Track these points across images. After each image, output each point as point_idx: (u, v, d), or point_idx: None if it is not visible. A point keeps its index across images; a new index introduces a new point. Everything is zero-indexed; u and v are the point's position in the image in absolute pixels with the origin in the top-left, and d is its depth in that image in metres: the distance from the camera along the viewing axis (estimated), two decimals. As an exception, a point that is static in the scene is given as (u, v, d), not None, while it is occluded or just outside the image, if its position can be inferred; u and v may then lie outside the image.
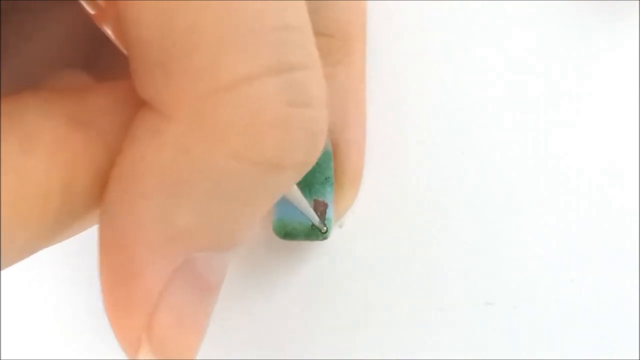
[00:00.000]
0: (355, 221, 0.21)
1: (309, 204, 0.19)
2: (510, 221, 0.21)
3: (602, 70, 0.22)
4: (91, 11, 0.12)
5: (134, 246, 0.11)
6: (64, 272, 0.21)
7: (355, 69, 0.21)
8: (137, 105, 0.11)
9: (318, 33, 0.21)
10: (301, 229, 0.19)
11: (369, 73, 0.22)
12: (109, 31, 0.12)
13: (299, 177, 0.12)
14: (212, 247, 0.11)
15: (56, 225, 0.10)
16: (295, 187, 0.18)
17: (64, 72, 0.13)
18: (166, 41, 0.10)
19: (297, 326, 0.20)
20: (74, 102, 0.11)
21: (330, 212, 0.19)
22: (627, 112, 0.22)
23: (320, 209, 0.19)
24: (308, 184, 0.19)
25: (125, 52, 0.12)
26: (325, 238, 0.19)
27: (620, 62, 0.22)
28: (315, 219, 0.19)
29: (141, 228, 0.10)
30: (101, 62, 0.14)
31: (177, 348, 0.12)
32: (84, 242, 0.20)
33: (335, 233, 0.21)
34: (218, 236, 0.11)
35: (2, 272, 0.21)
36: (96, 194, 0.11)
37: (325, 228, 0.19)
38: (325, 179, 0.20)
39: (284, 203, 0.19)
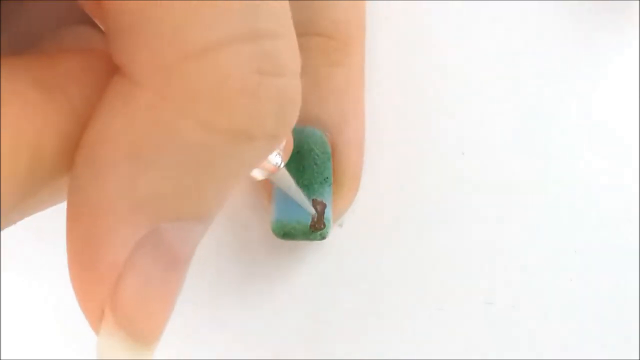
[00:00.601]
0: (355, 221, 0.21)
1: (308, 204, 0.19)
2: (510, 221, 0.21)
3: (603, 70, 0.22)
4: None
5: (99, 214, 0.10)
6: (64, 272, 0.21)
7: (354, 70, 0.21)
8: (112, 72, 0.11)
9: (316, 34, 0.21)
10: (300, 228, 0.19)
11: (368, 73, 0.22)
12: None
13: (270, 149, 0.11)
14: (179, 217, 0.11)
15: (24, 191, 0.10)
16: (288, 175, 0.18)
17: (68, 30, 0.12)
18: (135, 5, 0.09)
19: (297, 326, 0.20)
20: (44, 66, 0.11)
21: (329, 212, 0.19)
22: (627, 112, 0.22)
23: (319, 209, 0.19)
24: (307, 184, 0.19)
25: (97, 21, 0.12)
26: (323, 238, 0.19)
27: (620, 62, 0.22)
28: (311, 209, 0.19)
29: (107, 195, 0.10)
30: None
31: (141, 321, 0.11)
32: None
33: (335, 233, 0.21)
34: (185, 206, 0.11)
35: (2, 272, 0.21)
36: (65, 161, 0.11)
37: (323, 226, 0.19)
38: (324, 179, 0.20)
39: (282, 203, 0.19)
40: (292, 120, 0.11)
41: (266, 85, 0.10)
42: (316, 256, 0.21)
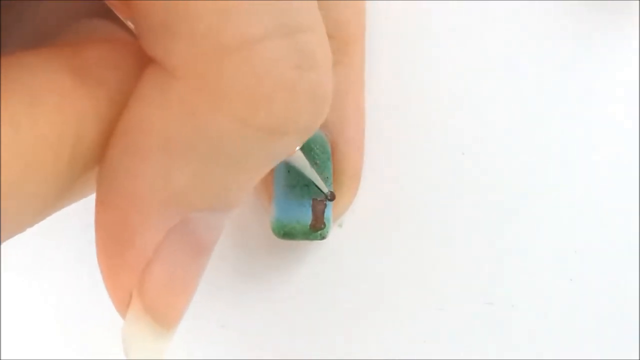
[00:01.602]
0: (355, 221, 0.21)
1: (308, 204, 0.19)
2: (510, 221, 0.21)
3: (604, 70, 0.22)
4: None
5: (131, 204, 0.11)
6: (64, 272, 0.21)
7: (354, 69, 0.21)
8: (145, 61, 0.11)
9: None
10: (299, 228, 0.19)
11: (368, 73, 0.22)
12: None
13: (301, 142, 0.12)
14: (209, 208, 0.11)
15: (67, 180, 0.10)
16: (301, 154, 0.18)
17: (84, 23, 0.12)
18: (171, 1, 0.10)
19: (297, 326, 0.20)
20: (77, 55, 0.11)
21: (329, 212, 0.19)
22: (627, 112, 0.22)
23: (319, 208, 0.19)
24: (307, 184, 0.19)
25: (119, 15, 0.12)
26: (323, 237, 0.19)
27: (621, 62, 0.22)
28: (324, 187, 0.19)
29: (140, 186, 0.10)
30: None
31: (166, 307, 0.12)
32: (85, 242, 0.20)
33: (335, 233, 0.21)
34: (215, 197, 0.11)
35: (2, 272, 0.21)
36: (102, 150, 0.11)
37: (323, 226, 0.19)
38: (324, 178, 0.20)
39: (283, 202, 0.19)
40: (325, 115, 0.12)
41: (302, 80, 0.10)
42: (316, 256, 0.21)
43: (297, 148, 0.16)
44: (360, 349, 0.20)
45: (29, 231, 0.21)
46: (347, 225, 0.21)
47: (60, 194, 0.11)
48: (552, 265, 0.21)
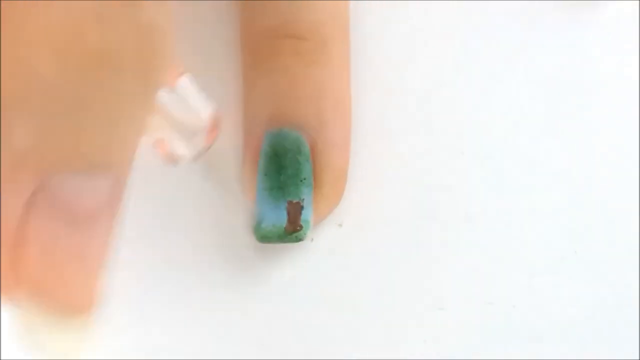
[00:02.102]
0: (355, 221, 0.21)
1: (283, 207, 0.19)
2: (510, 220, 0.21)
3: (604, 70, 0.22)
4: None
5: None
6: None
7: (333, 69, 0.21)
8: None
9: (290, 36, 0.20)
10: (275, 231, 0.19)
11: (366, 73, 0.22)
12: None
13: (139, 79, 0.10)
14: (64, 168, 0.10)
15: None
16: (187, 82, 0.17)
17: None
18: None
19: (297, 326, 0.20)
20: None
21: (307, 214, 0.19)
22: (627, 112, 0.22)
23: (294, 210, 0.19)
24: (282, 186, 0.19)
25: None
26: (300, 240, 0.19)
27: (621, 62, 0.22)
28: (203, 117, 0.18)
29: None
30: None
31: (53, 288, 0.10)
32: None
33: (334, 233, 0.21)
34: (71, 154, 0.10)
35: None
36: None
37: (300, 228, 0.19)
38: (301, 180, 0.20)
39: (261, 206, 0.19)
40: (158, 46, 0.11)
41: (117, 9, 0.10)
42: (316, 256, 0.21)
43: (184, 78, 0.15)
44: (360, 349, 0.20)
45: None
46: (348, 225, 0.21)
47: None
48: (552, 266, 0.21)
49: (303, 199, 0.19)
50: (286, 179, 0.20)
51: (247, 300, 0.21)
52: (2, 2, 0.09)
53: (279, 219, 0.19)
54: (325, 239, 0.21)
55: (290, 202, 0.19)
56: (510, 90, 0.22)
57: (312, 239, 0.21)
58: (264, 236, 0.19)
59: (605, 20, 0.23)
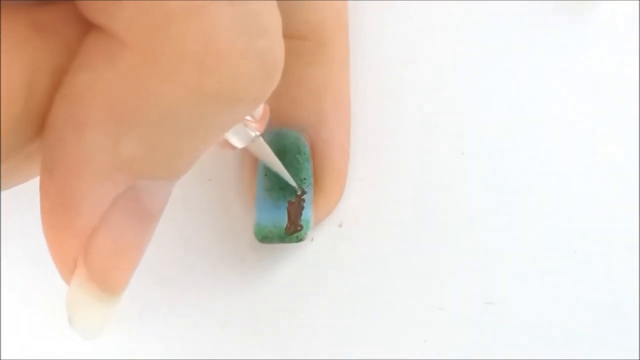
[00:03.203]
0: (355, 221, 0.21)
1: (284, 207, 0.19)
2: (510, 221, 0.21)
3: (603, 70, 0.22)
4: None
5: (77, 171, 0.11)
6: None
7: (333, 69, 0.21)
8: (86, 25, 0.10)
9: (288, 35, 0.21)
10: (276, 232, 0.19)
11: (366, 72, 0.22)
12: None
13: (251, 112, 0.12)
14: (156, 176, 0.11)
15: (20, 130, 0.10)
16: (266, 145, 0.18)
17: None
18: None
19: (297, 326, 0.20)
20: (33, 10, 0.10)
21: (307, 214, 0.19)
22: (627, 112, 0.22)
23: (294, 210, 0.19)
24: (282, 186, 0.19)
25: None
26: (300, 240, 0.19)
27: (621, 62, 0.22)
28: (291, 181, 0.19)
29: (87, 152, 0.10)
30: None
31: (110, 273, 0.12)
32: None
33: (334, 233, 0.21)
34: (163, 166, 0.11)
35: (2, 272, 0.21)
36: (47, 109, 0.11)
37: (300, 228, 0.19)
38: (302, 180, 0.20)
39: (262, 206, 0.19)
40: (275, 82, 0.11)
41: (253, 46, 0.10)
42: (316, 256, 0.21)
43: (258, 134, 0.16)
44: (360, 349, 0.20)
45: (30, 231, 0.21)
46: (347, 225, 0.21)
47: (14, 148, 0.11)
48: (552, 265, 0.21)
49: (303, 199, 0.19)
50: (285, 179, 0.20)
51: (247, 300, 0.21)
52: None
53: (279, 219, 0.19)
54: (325, 239, 0.21)
55: (290, 202, 0.19)
56: (511, 90, 0.22)
57: (312, 239, 0.21)
58: (265, 237, 0.19)
59: (605, 20, 0.23)
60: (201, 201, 0.21)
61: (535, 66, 0.22)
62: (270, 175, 0.20)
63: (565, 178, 0.21)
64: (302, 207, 0.19)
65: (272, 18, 0.11)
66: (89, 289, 0.12)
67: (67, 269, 0.12)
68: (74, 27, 0.11)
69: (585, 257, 0.21)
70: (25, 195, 0.20)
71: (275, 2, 0.11)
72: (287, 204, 0.19)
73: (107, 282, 0.12)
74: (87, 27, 0.11)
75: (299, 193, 0.19)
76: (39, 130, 0.11)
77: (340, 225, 0.21)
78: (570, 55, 0.22)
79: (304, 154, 0.20)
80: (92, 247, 0.11)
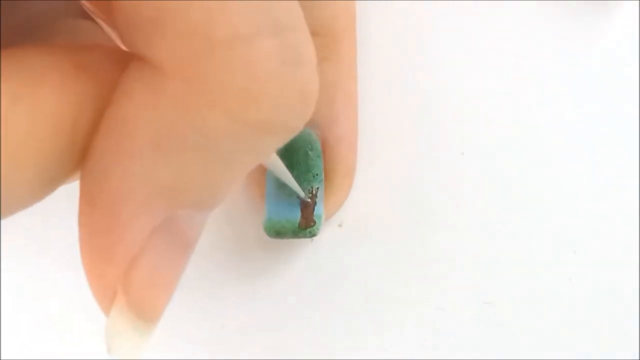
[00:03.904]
0: (355, 221, 0.21)
1: (297, 202, 0.19)
2: (509, 221, 0.21)
3: (603, 71, 0.22)
4: None
5: (118, 200, 0.11)
6: (64, 272, 0.21)
7: (343, 65, 0.21)
8: (127, 59, 0.11)
9: None
10: (289, 227, 0.19)
11: (366, 70, 0.22)
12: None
13: (287, 139, 0.12)
14: (195, 205, 0.11)
15: (63, 165, 0.11)
16: (279, 160, 0.18)
17: (64, 21, 0.13)
18: None
19: (297, 326, 0.20)
20: (75, 50, 0.11)
21: (319, 209, 0.19)
22: (627, 112, 0.22)
23: (308, 206, 0.19)
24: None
25: (94, 15, 0.12)
26: (313, 235, 0.19)
27: (621, 62, 0.22)
28: (301, 193, 0.19)
29: (128, 181, 0.11)
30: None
31: (149, 303, 0.12)
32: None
33: (334, 233, 0.21)
34: (202, 194, 0.11)
35: (2, 272, 0.21)
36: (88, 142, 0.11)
37: (313, 224, 0.19)
38: (313, 176, 0.20)
39: (273, 202, 0.19)
40: (311, 111, 0.12)
41: (292, 77, 0.11)
42: (316, 256, 0.21)
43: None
44: (360, 349, 0.20)
45: (30, 231, 0.21)
46: (347, 225, 0.21)
47: (55, 179, 0.11)
48: (552, 265, 0.21)
49: (316, 195, 0.20)
50: (299, 175, 0.20)
51: (247, 300, 0.21)
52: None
53: (292, 214, 0.19)
54: (325, 239, 0.21)
55: (303, 199, 0.20)
56: (511, 90, 0.22)
57: (312, 239, 0.21)
58: (278, 232, 0.19)
59: (605, 20, 0.23)
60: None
61: (536, 67, 0.22)
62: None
63: (565, 178, 0.21)
64: (315, 203, 0.19)
65: (309, 50, 0.11)
66: (127, 318, 0.12)
67: (106, 298, 0.12)
68: (115, 67, 0.11)
69: (585, 257, 0.21)
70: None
71: (309, 34, 0.11)
72: (300, 199, 0.19)
73: (145, 311, 0.12)
74: (126, 66, 0.11)
75: (305, 202, 0.19)
76: (80, 162, 0.11)
77: (340, 225, 0.21)
78: (570, 55, 0.22)
79: (316, 149, 0.20)
80: (132, 276, 0.11)
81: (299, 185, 0.19)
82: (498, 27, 0.23)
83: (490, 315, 0.20)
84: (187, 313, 0.20)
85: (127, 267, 0.11)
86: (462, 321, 0.20)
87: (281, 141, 0.12)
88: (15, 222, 0.21)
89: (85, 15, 0.13)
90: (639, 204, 0.21)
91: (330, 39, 0.21)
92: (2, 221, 0.21)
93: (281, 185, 0.20)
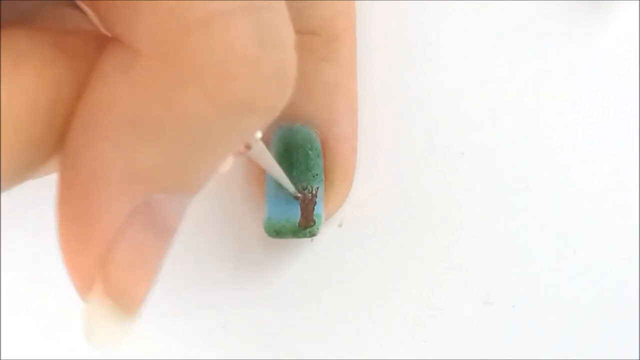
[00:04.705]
0: (355, 221, 0.21)
1: (295, 202, 0.19)
2: (509, 221, 0.21)
3: (603, 71, 0.22)
4: None
5: (94, 184, 0.11)
6: (64, 272, 0.21)
7: (343, 65, 0.21)
8: (107, 43, 0.11)
9: (302, 31, 0.21)
10: (289, 227, 0.19)
11: (366, 69, 0.22)
12: None
13: (266, 123, 0.11)
14: (173, 189, 0.11)
15: (41, 147, 0.10)
16: (272, 159, 0.18)
17: (50, 9, 0.13)
18: None
19: (297, 326, 0.20)
20: (54, 33, 0.11)
21: (319, 209, 0.19)
22: (626, 112, 0.22)
23: (307, 206, 0.19)
24: (293, 182, 0.19)
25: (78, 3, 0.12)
26: (313, 235, 0.19)
27: (621, 62, 0.22)
28: (291, 188, 0.19)
29: (103, 166, 0.10)
30: None
31: (128, 289, 0.12)
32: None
33: (334, 233, 0.21)
34: (179, 178, 0.11)
35: (2, 272, 0.21)
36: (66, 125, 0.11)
37: (313, 223, 0.19)
38: (313, 176, 0.20)
39: (273, 201, 0.19)
40: (290, 91, 0.12)
41: (267, 55, 0.10)
42: (316, 256, 0.21)
43: (258, 137, 0.16)
44: (360, 349, 0.20)
45: (30, 231, 0.21)
46: (347, 225, 0.21)
47: (33, 161, 0.11)
48: (552, 265, 0.21)
49: (316, 194, 0.20)
50: (299, 175, 0.20)
51: (247, 300, 0.21)
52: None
53: (292, 214, 0.19)
54: (325, 238, 0.21)
55: (303, 198, 0.20)
56: (511, 90, 0.22)
57: (311, 239, 0.21)
58: (278, 231, 0.19)
59: (605, 20, 0.23)
60: (202, 201, 0.21)
61: (536, 67, 0.22)
62: (282, 170, 0.20)
63: (564, 178, 0.21)
64: (315, 202, 0.19)
65: (286, 30, 0.11)
66: (106, 305, 0.11)
67: (83, 285, 0.11)
68: (95, 50, 0.11)
69: (585, 257, 0.21)
70: (26, 196, 0.20)
71: (287, 15, 0.11)
72: (300, 199, 0.19)
73: (124, 299, 0.12)
74: (102, 48, 0.11)
75: (295, 198, 0.19)
76: (59, 146, 0.11)
77: (340, 225, 0.21)
78: (570, 55, 0.22)
79: (316, 149, 0.20)
80: (109, 262, 0.11)
81: (298, 184, 0.19)
82: (498, 27, 0.23)
83: (490, 315, 0.20)
84: (187, 313, 0.20)
85: (104, 252, 0.11)
86: (461, 321, 0.20)
87: (259, 123, 0.11)
88: (16, 222, 0.21)
89: (71, 3, 0.13)
90: (639, 204, 0.21)
91: (329, 38, 0.21)
92: (2, 221, 0.21)
93: (281, 185, 0.20)
